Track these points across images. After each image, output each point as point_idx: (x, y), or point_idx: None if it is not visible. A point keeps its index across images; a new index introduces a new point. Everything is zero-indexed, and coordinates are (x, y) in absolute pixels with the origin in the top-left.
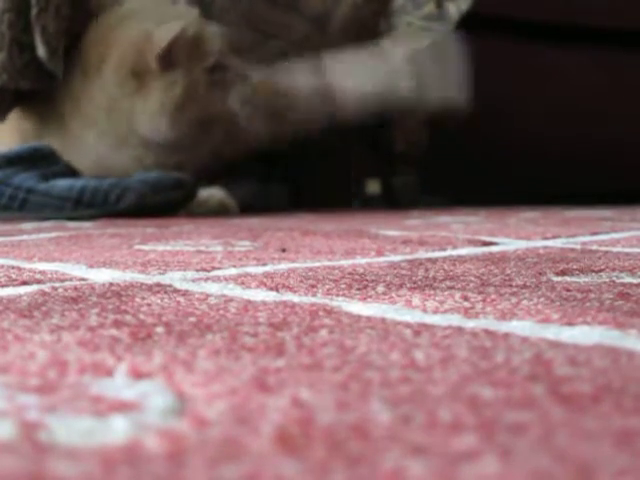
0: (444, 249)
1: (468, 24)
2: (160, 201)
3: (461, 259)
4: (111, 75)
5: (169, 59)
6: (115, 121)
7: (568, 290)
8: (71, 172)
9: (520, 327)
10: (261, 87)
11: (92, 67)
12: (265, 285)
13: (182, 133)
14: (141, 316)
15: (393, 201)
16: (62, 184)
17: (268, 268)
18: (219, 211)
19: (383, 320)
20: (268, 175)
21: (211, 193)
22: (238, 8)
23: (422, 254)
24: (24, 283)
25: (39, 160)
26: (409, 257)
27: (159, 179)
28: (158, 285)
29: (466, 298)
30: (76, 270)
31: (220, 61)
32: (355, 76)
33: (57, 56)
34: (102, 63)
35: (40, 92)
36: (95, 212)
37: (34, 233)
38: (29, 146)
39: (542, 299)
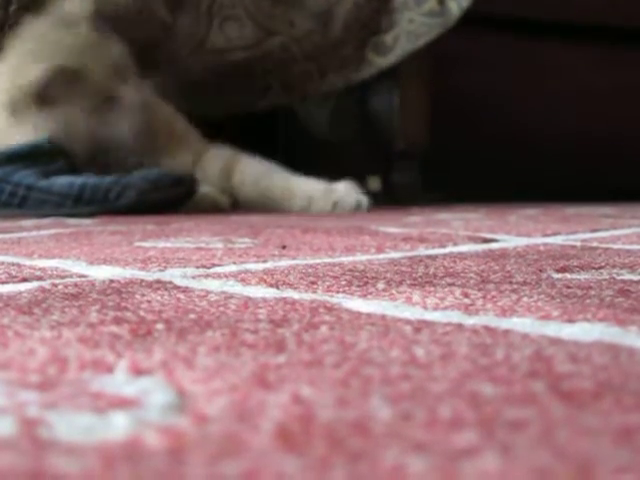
0: (444, 246)
1: (468, 21)
2: (160, 198)
3: (461, 256)
4: None
5: (45, 96)
6: None
7: (568, 287)
8: (71, 169)
9: (520, 324)
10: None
11: None
12: (265, 282)
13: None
14: (141, 313)
15: (393, 198)
16: (62, 181)
17: (268, 265)
18: (212, 208)
19: (383, 317)
20: None
21: (205, 190)
22: (242, 4)
23: (422, 251)
24: (24, 280)
25: (39, 157)
26: (409, 254)
27: (159, 176)
28: (158, 282)
29: (466, 295)
30: (76, 267)
31: (109, 93)
32: None
33: None
34: None
35: None
36: (95, 209)
37: (34, 230)
38: (29, 144)
39: (542, 296)
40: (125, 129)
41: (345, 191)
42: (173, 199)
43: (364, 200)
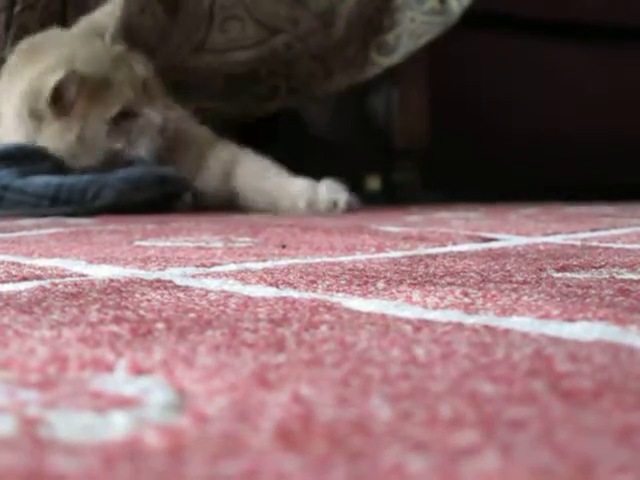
0: (444, 245)
1: (468, 20)
2: (141, 198)
3: (461, 255)
4: (12, 114)
5: (61, 104)
6: None
7: (568, 286)
8: (59, 170)
9: (520, 323)
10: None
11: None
12: (265, 281)
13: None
14: (141, 312)
15: (393, 197)
16: (38, 181)
17: (268, 264)
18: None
19: (383, 316)
20: None
21: None
22: (243, 3)
23: (422, 250)
24: (24, 279)
25: (23, 159)
26: (409, 253)
27: (141, 176)
28: (158, 281)
29: (466, 294)
30: (76, 266)
31: (130, 108)
32: None
33: None
34: (7, 100)
35: None
36: (72, 209)
37: (34, 229)
38: (14, 145)
39: (542, 295)
40: (142, 148)
41: (322, 190)
42: (157, 198)
43: (342, 199)
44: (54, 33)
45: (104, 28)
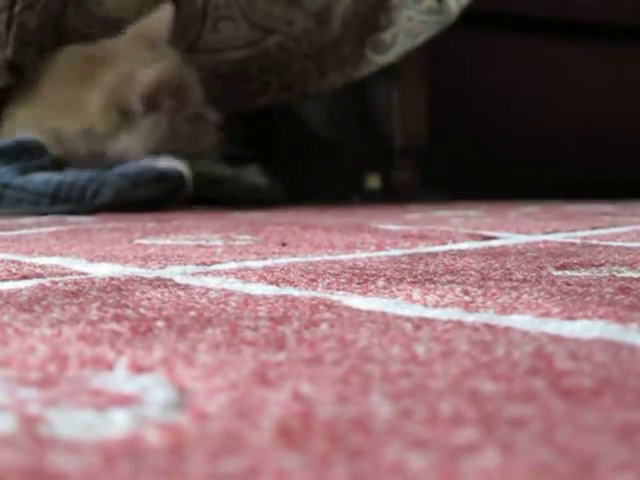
0: (444, 243)
1: (467, 18)
2: (141, 196)
3: (461, 253)
4: (97, 114)
5: (153, 101)
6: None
7: (568, 284)
8: (57, 166)
9: (520, 321)
10: None
11: (70, 102)
12: (265, 279)
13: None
14: (141, 310)
15: (393, 195)
16: (38, 179)
17: (268, 262)
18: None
19: (383, 314)
20: (267, 170)
21: None
22: (237, 3)
23: (422, 248)
24: (24, 277)
25: (23, 154)
26: (409, 251)
27: (139, 173)
28: (158, 279)
29: (466, 292)
30: (76, 264)
31: (199, 111)
32: None
33: (28, 51)
34: (83, 101)
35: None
36: (72, 208)
37: (34, 227)
38: (13, 140)
39: (542, 293)
40: (208, 144)
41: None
42: (156, 196)
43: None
44: (112, 43)
45: (153, 34)
